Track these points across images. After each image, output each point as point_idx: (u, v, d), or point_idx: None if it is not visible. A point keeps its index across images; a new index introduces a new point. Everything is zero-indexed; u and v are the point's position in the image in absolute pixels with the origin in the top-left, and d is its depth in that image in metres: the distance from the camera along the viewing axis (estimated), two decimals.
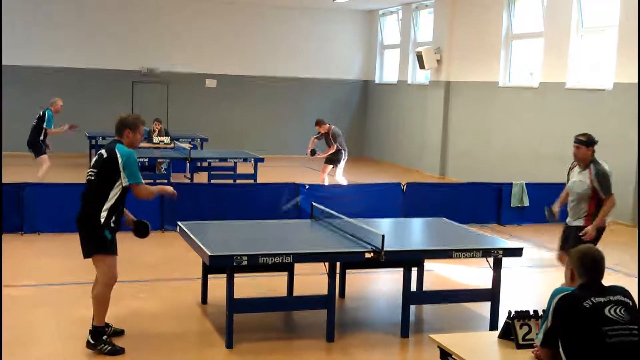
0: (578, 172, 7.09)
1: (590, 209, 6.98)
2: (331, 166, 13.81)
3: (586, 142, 6.97)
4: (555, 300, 3.80)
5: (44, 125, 12.74)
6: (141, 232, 6.17)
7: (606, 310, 3.71)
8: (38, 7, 19.59)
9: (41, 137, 12.74)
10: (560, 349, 3.74)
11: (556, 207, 7.44)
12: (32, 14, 19.51)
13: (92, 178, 5.81)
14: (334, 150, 13.59)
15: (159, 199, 10.51)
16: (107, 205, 5.71)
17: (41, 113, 12.80)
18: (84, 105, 19.96)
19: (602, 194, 6.92)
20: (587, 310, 3.70)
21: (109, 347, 5.74)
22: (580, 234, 6.92)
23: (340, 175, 13.88)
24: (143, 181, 5.86)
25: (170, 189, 6.26)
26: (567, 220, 7.23)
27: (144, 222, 6.19)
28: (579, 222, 7.06)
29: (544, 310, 4.25)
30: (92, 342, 5.77)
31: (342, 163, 13.75)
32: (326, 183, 13.32)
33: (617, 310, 3.73)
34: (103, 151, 5.85)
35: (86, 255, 5.85)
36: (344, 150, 13.63)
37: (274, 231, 7.23)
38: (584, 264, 3.92)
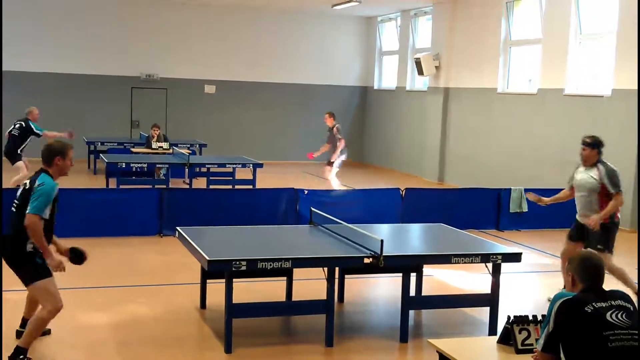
0: (584, 171, 7.58)
1: (603, 205, 7.45)
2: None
3: (591, 144, 7.52)
4: (556, 304, 3.80)
5: (38, 131, 13.02)
6: (77, 259, 5.88)
7: (608, 315, 3.72)
8: (39, 14, 19.61)
9: (22, 146, 12.95)
10: (562, 354, 3.74)
11: (547, 200, 8.09)
12: (33, 21, 19.53)
13: (14, 210, 5.50)
14: (342, 147, 13.81)
15: (158, 203, 10.53)
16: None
17: (23, 124, 12.99)
18: (84, 111, 20.02)
19: (611, 190, 7.39)
20: (589, 315, 3.70)
21: None
22: (587, 223, 7.40)
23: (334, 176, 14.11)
24: (41, 220, 5.36)
25: (55, 263, 5.52)
26: (578, 216, 7.68)
27: (77, 249, 5.88)
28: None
29: (543, 315, 4.25)
30: None
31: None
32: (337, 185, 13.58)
33: (619, 315, 3.73)
34: (27, 181, 5.54)
35: (26, 284, 5.53)
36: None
37: (272, 236, 7.23)
38: (585, 269, 3.93)
